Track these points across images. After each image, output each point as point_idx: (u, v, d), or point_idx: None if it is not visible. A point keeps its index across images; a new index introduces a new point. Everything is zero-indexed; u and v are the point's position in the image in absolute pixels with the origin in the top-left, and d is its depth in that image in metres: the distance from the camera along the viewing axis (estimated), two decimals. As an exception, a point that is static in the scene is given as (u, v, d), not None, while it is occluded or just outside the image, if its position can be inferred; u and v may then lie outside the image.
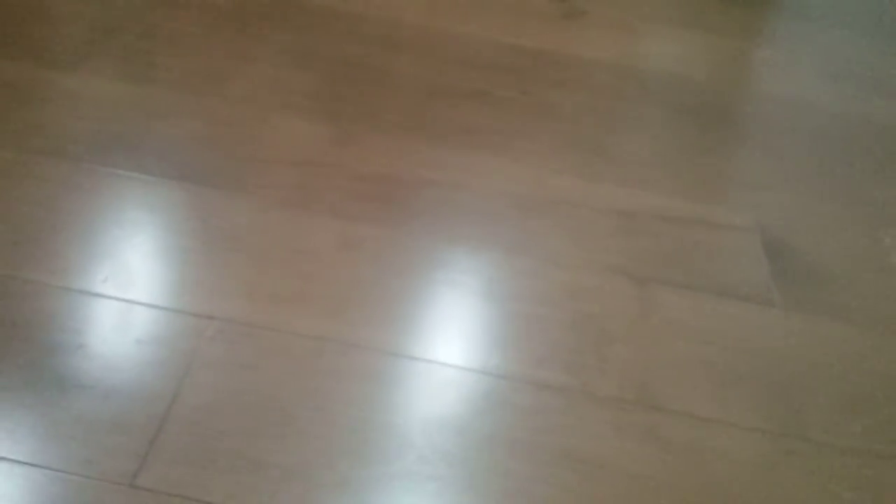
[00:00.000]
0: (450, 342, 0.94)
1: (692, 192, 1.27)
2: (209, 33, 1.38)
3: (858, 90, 1.57)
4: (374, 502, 0.76)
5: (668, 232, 1.18)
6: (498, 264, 1.07)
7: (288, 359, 0.88)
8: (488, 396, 0.88)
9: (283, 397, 0.84)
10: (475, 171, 1.22)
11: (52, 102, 1.19)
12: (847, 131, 1.45)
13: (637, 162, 1.28)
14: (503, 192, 1.19)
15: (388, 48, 1.44)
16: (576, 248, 1.12)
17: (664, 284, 1.08)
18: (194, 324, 0.90)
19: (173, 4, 1.44)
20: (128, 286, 0.93)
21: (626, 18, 1.67)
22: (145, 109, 1.20)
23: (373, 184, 1.16)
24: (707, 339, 1.01)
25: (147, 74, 1.27)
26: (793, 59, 1.65)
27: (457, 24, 1.54)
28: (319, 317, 0.94)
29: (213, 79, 1.27)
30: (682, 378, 0.94)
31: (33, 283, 0.92)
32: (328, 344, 0.90)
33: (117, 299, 0.91)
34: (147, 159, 1.12)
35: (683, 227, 1.19)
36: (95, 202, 1.04)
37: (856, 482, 0.85)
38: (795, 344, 1.02)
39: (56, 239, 0.98)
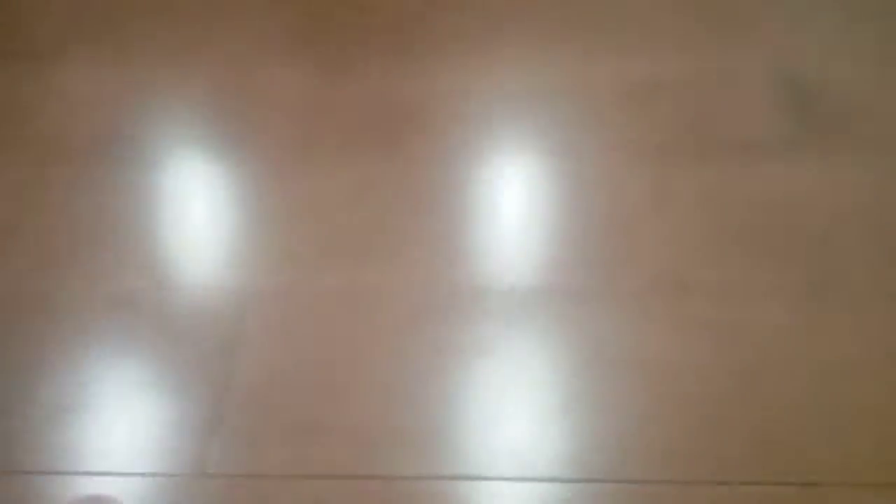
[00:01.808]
0: (476, 267, 0.94)
1: (703, 45, 1.21)
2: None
3: None
4: (428, 442, 0.80)
5: (683, 96, 1.14)
6: (509, 171, 1.06)
7: (323, 318, 0.90)
8: (519, 314, 0.89)
9: (326, 358, 0.87)
10: (476, 75, 1.19)
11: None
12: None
13: (638, 28, 1.23)
14: (508, 91, 1.16)
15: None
16: (590, 134, 1.09)
17: (680, 157, 1.05)
18: (227, 299, 0.93)
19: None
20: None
21: None
22: (133, 90, 1.20)
23: (374, 115, 1.15)
24: (731, 206, 0.99)
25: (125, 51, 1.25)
26: None
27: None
28: (345, 268, 0.95)
29: (193, 42, 1.26)
30: (710, 253, 0.93)
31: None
32: (360, 294, 0.92)
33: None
34: (145, 141, 1.12)
35: (697, 88, 1.15)
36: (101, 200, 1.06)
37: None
38: (826, 193, 0.99)
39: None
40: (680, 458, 0.76)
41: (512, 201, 1.03)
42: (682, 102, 1.12)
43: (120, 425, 0.83)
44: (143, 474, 0.79)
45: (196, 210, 1.04)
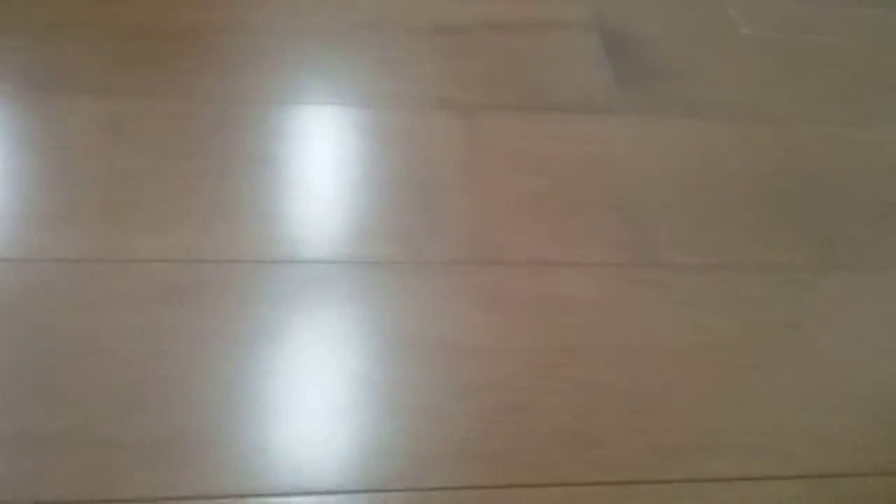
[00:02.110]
0: (253, 234, 0.79)
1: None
2: None
3: None
4: (176, 453, 0.65)
5: (496, 44, 1.03)
6: (298, 122, 0.91)
7: (54, 295, 0.72)
8: (305, 291, 0.75)
9: (53, 348, 0.69)
10: (265, 5, 1.03)
11: None
12: None
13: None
14: (301, 25, 1.01)
15: None
16: (389, 82, 0.97)
17: (493, 110, 0.95)
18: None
19: None
20: None
21: None
22: None
23: (138, 42, 0.96)
24: (543, 166, 0.89)
25: None
26: None
27: None
28: (88, 233, 0.77)
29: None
30: (520, 221, 0.84)
31: None
32: (104, 265, 0.75)
33: None
34: None
35: (512, 35, 1.05)
36: None
37: (716, 303, 0.79)
38: (642, 154, 0.93)
39: None
40: (482, 460, 0.66)
41: (303, 158, 0.88)
42: (501, 51, 1.02)
43: None
44: None
45: None
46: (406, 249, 0.80)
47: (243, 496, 0.63)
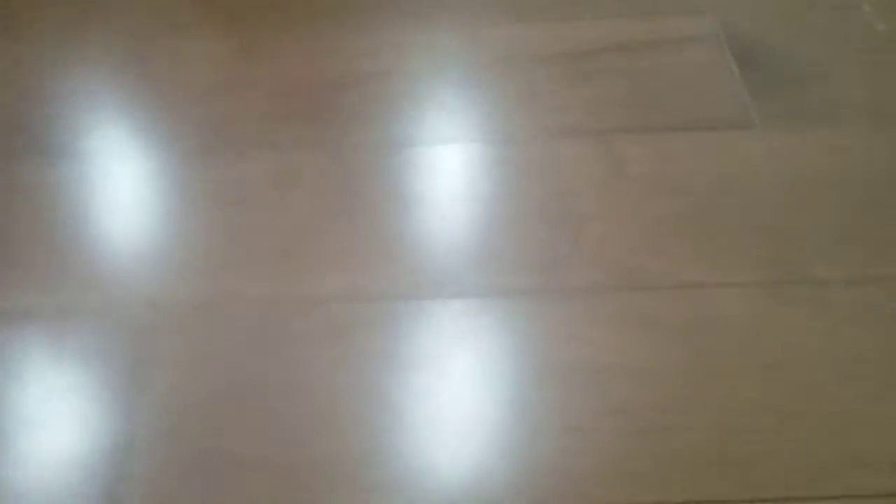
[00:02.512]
0: (411, 273, 0.86)
1: (643, 8, 1.14)
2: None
3: None
4: (356, 476, 0.72)
5: (625, 66, 1.07)
6: (441, 162, 0.98)
7: (241, 335, 0.82)
8: (461, 324, 0.81)
9: (243, 381, 0.78)
10: (397, 53, 1.10)
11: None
12: None
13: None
14: (433, 67, 1.08)
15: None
16: (522, 114, 1.02)
17: (627, 133, 0.98)
18: (134, 316, 0.83)
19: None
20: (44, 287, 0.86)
21: None
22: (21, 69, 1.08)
23: (296, 97, 1.05)
24: (683, 188, 0.92)
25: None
26: None
27: None
28: (268, 278, 0.86)
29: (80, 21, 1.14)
30: (663, 243, 0.87)
31: None
32: (285, 308, 0.84)
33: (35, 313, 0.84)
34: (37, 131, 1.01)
35: (640, 56, 1.08)
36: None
37: (867, 318, 0.79)
38: (782, 168, 0.94)
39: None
40: (630, 479, 0.70)
41: (449, 196, 0.94)
42: (631, 73, 1.05)
43: (9, 468, 0.73)
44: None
45: (94, 210, 0.94)
46: (550, 279, 0.85)
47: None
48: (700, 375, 0.76)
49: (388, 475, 0.71)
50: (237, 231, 0.91)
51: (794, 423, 0.72)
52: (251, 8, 1.17)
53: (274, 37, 1.13)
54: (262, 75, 1.08)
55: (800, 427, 0.72)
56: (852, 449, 0.70)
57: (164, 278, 0.87)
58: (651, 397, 0.75)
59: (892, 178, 0.92)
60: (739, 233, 0.87)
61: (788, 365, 0.76)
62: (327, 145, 0.99)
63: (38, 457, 0.74)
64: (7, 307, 0.85)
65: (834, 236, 0.86)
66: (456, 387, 0.77)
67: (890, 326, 0.78)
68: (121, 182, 0.97)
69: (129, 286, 0.86)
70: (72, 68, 1.10)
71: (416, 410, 0.75)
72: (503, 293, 0.84)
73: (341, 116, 1.02)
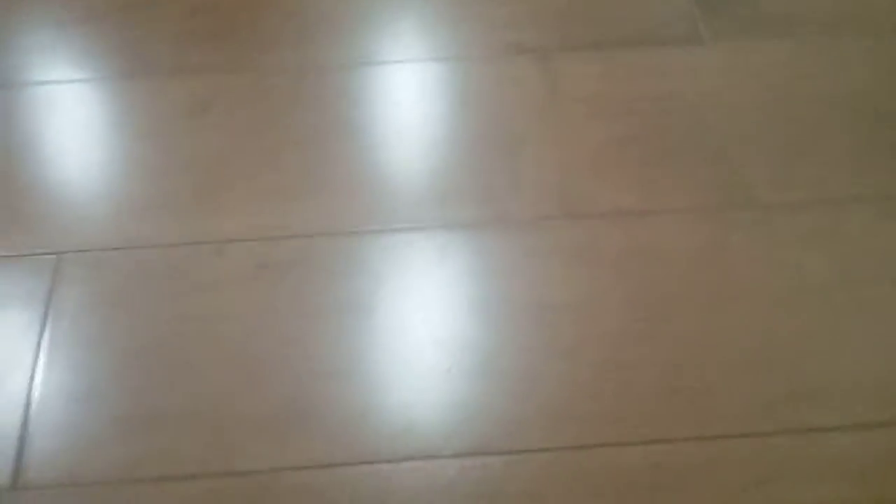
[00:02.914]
0: (338, 206, 0.80)
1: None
2: None
3: None
4: (283, 426, 0.67)
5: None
6: (373, 84, 0.91)
7: (154, 280, 0.75)
8: (392, 259, 0.76)
9: (158, 330, 0.72)
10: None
11: None
12: None
13: None
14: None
15: None
16: (461, 33, 0.95)
17: (570, 52, 0.92)
18: (36, 266, 0.76)
19: None
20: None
21: None
22: None
23: (210, 15, 0.97)
24: (627, 108, 0.87)
25: None
26: None
27: None
28: (180, 217, 0.79)
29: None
30: (606, 169, 0.82)
31: None
32: (198, 248, 0.77)
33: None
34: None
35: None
36: None
37: (815, 242, 0.76)
38: (731, 84, 0.89)
39: None
40: (580, 420, 0.67)
41: (381, 122, 0.88)
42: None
43: None
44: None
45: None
46: (490, 209, 0.79)
47: (350, 464, 0.65)
48: (643, 310, 0.72)
49: (315, 424, 0.67)
50: (149, 167, 0.84)
51: (740, 358, 0.69)
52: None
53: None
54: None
55: (750, 360, 0.69)
56: (803, 383, 0.67)
57: (71, 221, 0.79)
58: (593, 335, 0.71)
59: (844, 96, 0.87)
60: (682, 156, 0.82)
61: (736, 295, 0.72)
62: (245, 68, 0.91)
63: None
64: None
65: (780, 158, 0.82)
66: (388, 326, 0.72)
67: (839, 249, 0.75)
68: (18, 112, 0.89)
69: (36, 229, 0.79)
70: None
71: (346, 353, 0.70)
72: (441, 226, 0.78)
73: (260, 36, 0.94)
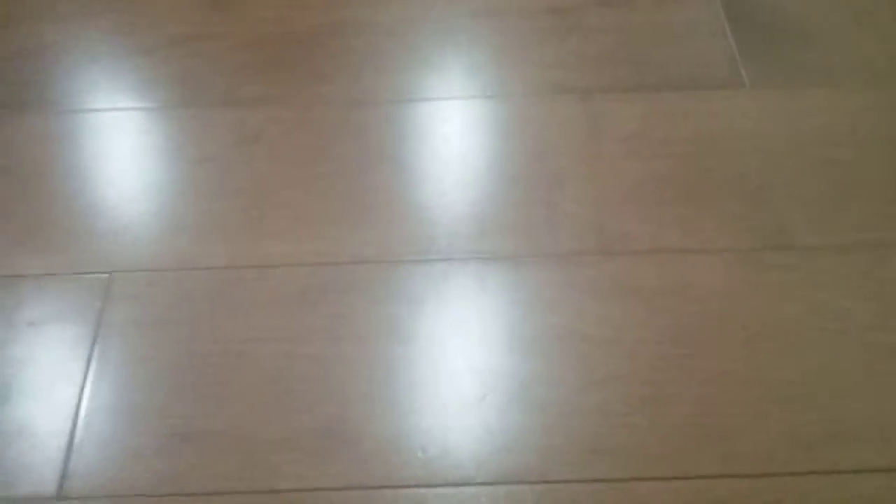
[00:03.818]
0: (380, 235, 0.82)
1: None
2: None
3: None
4: (320, 448, 0.69)
5: (609, 21, 1.02)
6: (419, 119, 0.93)
7: (201, 301, 0.78)
8: (432, 288, 0.78)
9: (204, 350, 0.74)
10: (378, 3, 1.05)
11: None
12: None
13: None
14: (414, 20, 1.03)
15: None
16: (506, 71, 0.97)
17: (612, 92, 0.94)
18: (89, 284, 0.79)
19: None
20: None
21: None
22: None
23: (263, 49, 1.00)
24: (666, 149, 0.88)
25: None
26: None
27: None
28: (229, 240, 0.82)
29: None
30: (644, 208, 0.83)
31: None
32: (243, 272, 0.80)
33: None
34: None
35: (625, 11, 1.03)
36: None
37: (854, 285, 0.76)
38: (771, 128, 0.90)
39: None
40: (611, 453, 0.67)
41: (425, 155, 0.90)
42: (618, 29, 1.01)
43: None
44: (-11, 499, 0.67)
45: (51, 165, 0.89)
46: (528, 243, 0.81)
47: (384, 487, 0.66)
48: (678, 347, 0.72)
49: (351, 447, 0.68)
50: (198, 191, 0.87)
51: (777, 397, 0.69)
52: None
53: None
54: (230, 26, 1.03)
55: (782, 399, 0.69)
56: (837, 424, 0.67)
57: (124, 243, 0.83)
58: (628, 370, 0.71)
59: (883, 143, 0.88)
60: (720, 197, 0.83)
61: (771, 335, 0.73)
62: (296, 100, 0.94)
63: (-16, 425, 0.71)
64: (-43, 268, 0.81)
65: (822, 201, 0.83)
66: (425, 354, 0.74)
67: (880, 293, 0.75)
68: (80, 137, 0.93)
69: (91, 248, 0.82)
70: (38, 17, 1.05)
71: (385, 379, 0.72)
72: (480, 258, 0.80)
73: (312, 70, 0.98)
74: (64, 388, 0.72)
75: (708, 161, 0.87)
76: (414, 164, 0.89)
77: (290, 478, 0.67)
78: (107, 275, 0.80)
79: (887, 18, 1.01)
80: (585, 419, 0.69)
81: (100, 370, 0.73)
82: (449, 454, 0.67)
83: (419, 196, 0.86)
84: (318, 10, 1.05)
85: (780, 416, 0.68)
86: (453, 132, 0.92)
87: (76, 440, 0.69)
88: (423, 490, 0.66)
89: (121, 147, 0.92)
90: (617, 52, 0.98)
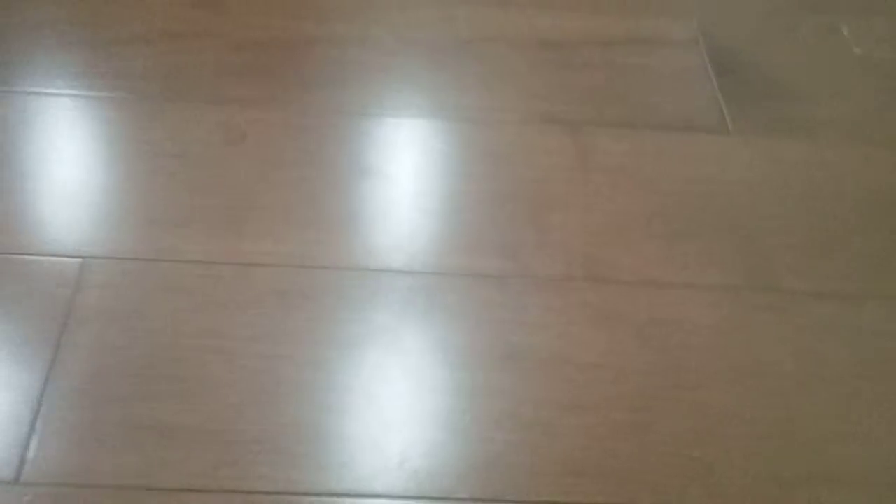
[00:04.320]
0: (364, 243, 0.81)
1: (623, 4, 1.11)
2: None
3: None
4: (296, 451, 0.66)
5: (601, 60, 1.03)
6: (406, 135, 0.93)
7: (178, 295, 0.75)
8: (413, 300, 0.76)
9: (178, 343, 0.72)
10: (371, 19, 1.05)
11: None
12: None
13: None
14: (407, 39, 1.03)
15: None
16: (495, 97, 0.97)
17: (601, 127, 0.95)
18: (62, 269, 0.76)
19: None
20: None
21: None
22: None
23: (254, 53, 0.99)
24: (654, 186, 0.89)
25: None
26: None
27: None
28: (209, 236, 0.80)
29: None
30: (631, 240, 0.83)
31: None
32: (223, 268, 0.77)
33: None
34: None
35: (617, 51, 1.05)
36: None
37: (835, 333, 0.77)
38: (755, 175, 0.91)
39: None
40: (594, 477, 0.66)
41: (411, 171, 0.89)
42: (608, 68, 1.02)
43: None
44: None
45: (29, 151, 0.86)
46: (514, 264, 0.80)
47: (360, 496, 0.64)
48: (664, 378, 0.72)
49: (326, 452, 0.66)
50: (178, 185, 0.84)
51: (760, 434, 0.69)
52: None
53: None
54: (223, 26, 1.01)
55: (768, 437, 0.69)
56: (818, 465, 0.67)
57: (98, 230, 0.79)
58: (613, 395, 0.71)
59: (863, 198, 0.90)
60: (707, 236, 0.84)
61: (757, 373, 0.73)
62: (283, 105, 0.93)
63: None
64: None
65: (803, 249, 0.84)
66: (407, 365, 0.72)
67: (859, 343, 0.76)
68: (60, 124, 0.89)
69: (63, 233, 0.79)
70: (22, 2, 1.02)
71: (359, 388, 0.70)
72: (459, 273, 0.79)
73: (302, 77, 0.96)
74: (27, 371, 0.68)
75: (695, 200, 0.88)
76: (399, 178, 0.88)
77: (263, 479, 0.64)
78: (79, 260, 0.76)
79: (860, 78, 1.05)
80: (569, 441, 0.67)
81: (67, 356, 0.69)
82: (429, 467, 0.65)
83: (404, 209, 0.85)
84: (310, 21, 1.04)
85: (764, 453, 0.68)
86: (439, 151, 0.92)
87: (38, 426, 0.65)
88: (401, 502, 0.63)
89: (99, 135, 0.89)
90: (607, 90, 1.00)
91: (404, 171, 0.89)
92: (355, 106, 0.94)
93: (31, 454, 0.64)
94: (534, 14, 1.09)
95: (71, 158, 0.86)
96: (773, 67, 1.05)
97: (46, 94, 0.91)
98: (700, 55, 1.06)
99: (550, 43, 1.05)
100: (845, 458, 0.68)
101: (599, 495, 0.65)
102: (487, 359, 0.73)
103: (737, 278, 0.80)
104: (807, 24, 1.12)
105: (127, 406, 0.67)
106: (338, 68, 0.98)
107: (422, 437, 0.67)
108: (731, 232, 0.85)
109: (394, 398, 0.70)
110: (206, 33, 1.00)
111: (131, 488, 0.63)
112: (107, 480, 0.63)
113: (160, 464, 0.64)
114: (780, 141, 0.96)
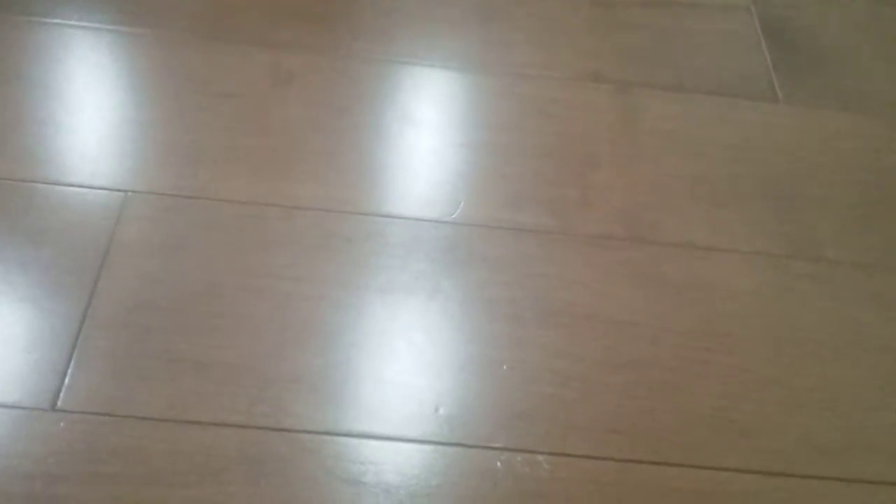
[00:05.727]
0: (407, 191, 0.80)
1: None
2: None
3: None
4: (333, 391, 0.67)
5: (651, 21, 1.02)
6: (452, 86, 0.92)
7: (220, 232, 0.75)
8: (455, 249, 0.76)
9: (219, 280, 0.72)
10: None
11: None
12: None
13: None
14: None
15: None
16: (544, 53, 0.96)
17: (649, 88, 0.93)
18: (105, 201, 0.76)
19: None
20: (17, 161, 0.79)
21: None
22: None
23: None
24: (700, 150, 0.88)
25: None
26: None
27: None
28: (254, 176, 0.80)
29: None
30: (675, 202, 0.82)
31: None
32: (268, 209, 0.77)
33: (5, 179, 0.77)
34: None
35: (670, 13, 1.03)
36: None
37: (876, 304, 0.76)
38: (803, 144, 0.90)
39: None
40: (629, 434, 0.66)
41: (457, 123, 0.89)
42: (659, 29, 1.00)
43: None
44: (-20, 402, 0.64)
45: (76, 90, 0.86)
46: (556, 220, 0.80)
47: (392, 439, 0.64)
48: (704, 340, 0.72)
49: (366, 398, 0.66)
50: (224, 125, 0.84)
51: (798, 401, 0.69)
52: None
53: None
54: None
55: (805, 404, 0.68)
56: (855, 434, 0.67)
57: (142, 165, 0.80)
58: (649, 355, 0.70)
59: (912, 173, 0.88)
60: (752, 202, 0.83)
61: (796, 340, 0.72)
62: (331, 51, 0.92)
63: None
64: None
65: (847, 219, 0.83)
66: (445, 314, 0.72)
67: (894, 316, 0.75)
68: (107, 58, 0.89)
69: (106, 170, 0.79)
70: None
71: (404, 334, 0.70)
72: (501, 226, 0.79)
73: (351, 24, 0.96)
74: (68, 301, 0.69)
75: (740, 166, 0.86)
76: (444, 129, 0.87)
77: (298, 418, 0.64)
78: (122, 193, 0.77)
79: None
80: (606, 398, 0.67)
81: (108, 286, 0.70)
82: (464, 415, 0.66)
83: (447, 160, 0.84)
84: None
85: (800, 419, 0.67)
86: (489, 105, 0.91)
87: (76, 354, 0.66)
88: (436, 447, 0.64)
89: (146, 71, 0.89)
90: (656, 52, 0.98)
91: (449, 121, 0.88)
92: (403, 55, 0.93)
93: (67, 382, 0.64)
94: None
95: (116, 94, 0.86)
96: (826, 37, 1.03)
97: (89, 28, 0.91)
98: (752, 21, 1.04)
99: (603, 2, 1.04)
100: (883, 428, 0.67)
101: (632, 453, 0.65)
102: (526, 312, 0.73)
103: (779, 246, 0.79)
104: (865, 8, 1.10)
105: (165, 339, 0.68)
106: (387, 17, 0.97)
107: (458, 385, 0.68)
108: (776, 199, 0.84)
109: (431, 345, 0.70)
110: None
111: (166, 420, 0.64)
112: (141, 412, 0.64)
113: (195, 397, 0.65)
114: (829, 111, 0.94)
